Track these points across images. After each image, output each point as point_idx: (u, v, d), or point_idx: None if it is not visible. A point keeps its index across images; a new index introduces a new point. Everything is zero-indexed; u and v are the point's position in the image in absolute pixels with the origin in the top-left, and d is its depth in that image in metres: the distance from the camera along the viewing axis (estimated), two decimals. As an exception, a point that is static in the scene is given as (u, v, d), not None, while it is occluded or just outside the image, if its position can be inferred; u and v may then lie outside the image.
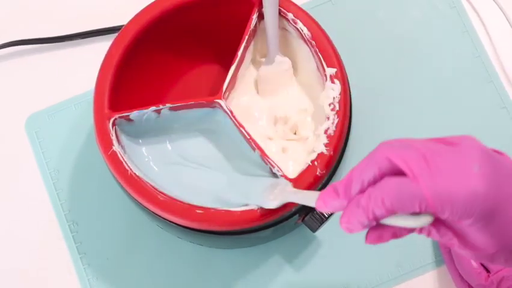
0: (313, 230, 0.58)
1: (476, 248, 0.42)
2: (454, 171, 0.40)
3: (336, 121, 0.57)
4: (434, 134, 0.70)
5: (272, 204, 0.54)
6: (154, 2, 0.61)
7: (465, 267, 0.61)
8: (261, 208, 0.55)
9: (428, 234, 0.43)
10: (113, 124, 0.58)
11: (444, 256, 0.64)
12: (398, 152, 0.41)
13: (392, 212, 0.40)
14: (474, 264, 0.61)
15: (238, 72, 0.61)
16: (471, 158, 0.41)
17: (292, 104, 0.63)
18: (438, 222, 0.42)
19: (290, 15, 0.60)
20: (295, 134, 0.62)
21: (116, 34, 0.60)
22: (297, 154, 0.60)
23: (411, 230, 0.43)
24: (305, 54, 0.61)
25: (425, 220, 0.40)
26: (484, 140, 0.69)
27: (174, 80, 0.66)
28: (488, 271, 0.60)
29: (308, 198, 0.48)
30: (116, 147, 0.57)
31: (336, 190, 0.43)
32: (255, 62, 0.64)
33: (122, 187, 0.57)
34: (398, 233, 0.43)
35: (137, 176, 0.56)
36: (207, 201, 0.56)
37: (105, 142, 0.57)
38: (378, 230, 0.43)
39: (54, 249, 0.67)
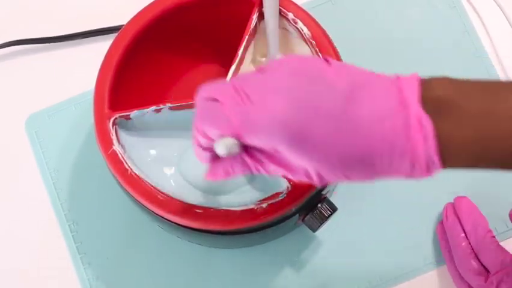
0: (314, 229, 0.58)
1: (292, 169, 0.43)
2: (258, 97, 0.41)
3: (336, 121, 0.57)
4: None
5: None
6: (153, 1, 0.60)
7: (465, 268, 0.61)
8: (261, 208, 0.55)
9: (244, 167, 0.44)
10: (113, 124, 0.58)
11: (445, 256, 0.64)
12: (212, 87, 0.44)
13: (203, 133, 0.43)
14: (474, 264, 0.61)
15: (239, 72, 0.60)
16: (274, 82, 0.41)
17: (292, 104, 0.62)
18: (252, 151, 0.43)
19: (290, 15, 0.60)
20: (295, 133, 0.62)
21: (116, 34, 0.60)
22: (297, 154, 0.60)
23: (237, 166, 0.44)
24: (305, 54, 0.61)
25: (228, 142, 0.42)
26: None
27: (174, 80, 0.66)
28: (488, 271, 0.60)
29: None
30: (116, 146, 0.57)
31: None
32: (255, 62, 0.64)
33: (122, 187, 0.57)
34: (229, 169, 0.45)
35: (137, 176, 0.56)
36: (207, 200, 0.56)
37: (105, 142, 0.57)
38: (213, 166, 0.46)
39: (54, 249, 0.67)
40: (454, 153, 0.41)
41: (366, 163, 0.41)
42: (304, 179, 0.43)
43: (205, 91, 0.44)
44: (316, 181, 0.43)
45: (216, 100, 0.43)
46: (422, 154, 0.40)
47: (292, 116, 0.40)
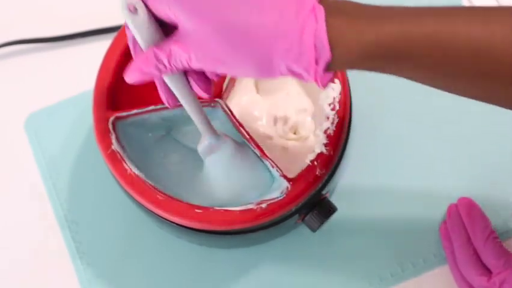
0: (313, 229, 0.58)
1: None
2: None
3: (336, 121, 0.57)
4: (433, 131, 0.70)
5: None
6: (153, 1, 0.61)
7: (468, 268, 0.61)
8: (261, 208, 0.55)
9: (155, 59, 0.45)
10: (113, 123, 0.58)
11: (447, 256, 0.64)
12: None
13: None
14: (477, 265, 0.61)
15: (238, 72, 0.60)
16: None
17: (292, 104, 0.62)
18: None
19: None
20: (295, 133, 0.62)
21: (116, 34, 0.60)
22: (296, 154, 0.60)
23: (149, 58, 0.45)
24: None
25: None
26: (484, 139, 0.69)
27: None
28: (490, 272, 0.60)
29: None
30: (115, 146, 0.57)
31: None
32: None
33: (121, 187, 0.57)
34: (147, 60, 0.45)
35: (137, 176, 0.56)
36: (206, 200, 0.56)
37: (104, 142, 0.57)
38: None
39: (54, 249, 0.67)
40: (342, 44, 0.41)
41: (249, 37, 0.42)
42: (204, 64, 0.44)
43: None
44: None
45: None
46: (311, 34, 0.41)
47: None
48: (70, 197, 0.68)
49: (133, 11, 0.45)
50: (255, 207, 0.55)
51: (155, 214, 0.57)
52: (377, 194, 0.67)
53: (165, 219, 0.56)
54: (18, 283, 0.67)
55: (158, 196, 0.55)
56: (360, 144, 0.67)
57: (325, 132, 0.57)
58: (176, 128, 0.61)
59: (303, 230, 0.61)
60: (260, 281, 0.65)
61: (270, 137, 0.61)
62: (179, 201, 0.55)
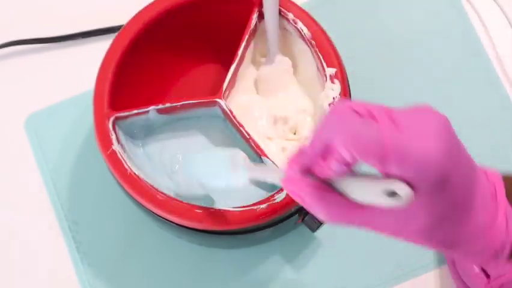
0: (313, 230, 0.58)
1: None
2: (414, 129, 0.38)
3: (336, 121, 0.57)
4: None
5: (240, 181, 0.49)
6: (153, 1, 0.61)
7: (466, 272, 0.61)
8: (260, 207, 0.55)
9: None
10: (113, 123, 0.58)
11: (447, 257, 0.64)
12: (363, 103, 0.40)
13: (352, 157, 0.38)
14: (476, 269, 0.60)
15: (238, 72, 0.61)
16: (432, 122, 0.40)
17: (292, 104, 0.63)
18: None
19: (290, 15, 0.60)
20: (294, 134, 0.62)
21: (116, 34, 0.60)
22: (296, 154, 0.60)
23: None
24: (305, 54, 0.61)
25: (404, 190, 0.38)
26: (484, 139, 0.69)
27: (174, 80, 0.66)
28: (488, 276, 0.60)
29: (271, 173, 0.47)
30: (115, 146, 0.57)
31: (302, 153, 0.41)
32: (255, 62, 0.64)
33: (121, 186, 0.57)
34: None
35: (137, 175, 0.56)
36: (206, 201, 0.56)
37: (104, 141, 0.57)
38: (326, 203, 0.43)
39: (54, 249, 0.67)
40: None
41: (455, 245, 0.45)
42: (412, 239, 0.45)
43: (357, 104, 0.39)
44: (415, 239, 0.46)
45: (373, 117, 0.39)
46: (498, 243, 0.43)
47: (447, 160, 0.39)
48: (70, 197, 0.68)
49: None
50: (255, 207, 0.55)
51: (155, 214, 0.57)
52: (377, 194, 0.67)
53: (165, 219, 0.56)
54: (18, 283, 0.67)
55: (158, 196, 0.56)
56: (360, 144, 0.67)
57: (325, 132, 0.57)
58: (175, 127, 0.61)
59: (303, 230, 0.61)
60: (260, 281, 0.65)
61: (269, 137, 0.61)
62: (179, 201, 0.55)
